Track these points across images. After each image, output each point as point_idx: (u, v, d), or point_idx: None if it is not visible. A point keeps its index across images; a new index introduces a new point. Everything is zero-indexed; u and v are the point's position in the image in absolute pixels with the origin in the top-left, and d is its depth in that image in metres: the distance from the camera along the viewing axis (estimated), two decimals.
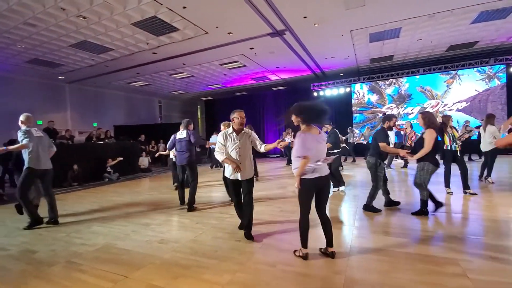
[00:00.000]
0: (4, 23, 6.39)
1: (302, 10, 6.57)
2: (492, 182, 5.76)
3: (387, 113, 10.52)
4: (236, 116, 3.28)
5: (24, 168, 4.03)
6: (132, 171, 10.20)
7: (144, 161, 10.77)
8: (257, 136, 3.48)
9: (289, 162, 11.02)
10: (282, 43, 8.56)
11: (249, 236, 3.25)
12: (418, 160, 3.83)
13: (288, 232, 3.44)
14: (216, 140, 3.42)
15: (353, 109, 13.80)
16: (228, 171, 3.34)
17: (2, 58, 8.60)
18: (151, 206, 5.19)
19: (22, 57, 8.70)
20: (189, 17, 6.68)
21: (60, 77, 11.21)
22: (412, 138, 9.02)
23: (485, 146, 5.92)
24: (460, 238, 3.07)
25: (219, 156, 3.32)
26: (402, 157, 8.71)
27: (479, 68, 11.40)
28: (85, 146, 9.23)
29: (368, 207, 4.17)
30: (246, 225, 3.31)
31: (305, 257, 2.63)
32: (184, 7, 6.16)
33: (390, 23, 7.51)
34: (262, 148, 3.36)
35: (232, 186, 3.39)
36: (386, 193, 4.37)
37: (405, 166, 8.91)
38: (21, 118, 4.11)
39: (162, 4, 6.00)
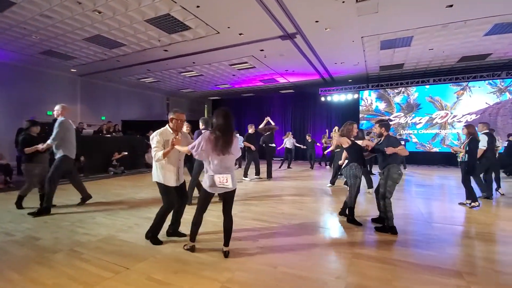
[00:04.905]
0: (22, 14, 6.53)
1: (314, 14, 6.57)
2: (503, 194, 5.87)
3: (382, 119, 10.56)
4: (175, 117, 3.01)
5: None
6: (137, 166, 10.29)
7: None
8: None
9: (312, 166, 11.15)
10: (293, 46, 8.58)
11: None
12: None
13: (290, 234, 3.42)
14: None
15: (360, 116, 13.73)
16: (169, 177, 3.05)
17: (18, 48, 8.77)
18: (154, 201, 5.21)
19: (37, 48, 8.86)
20: (201, 16, 6.74)
21: (72, 70, 11.38)
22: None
23: None
24: (464, 250, 3.02)
25: (159, 153, 2.89)
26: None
27: (490, 81, 11.24)
28: (93, 139, 9.34)
29: None
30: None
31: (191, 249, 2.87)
32: (198, 6, 6.22)
33: (402, 31, 7.47)
34: None
35: (170, 193, 3.13)
36: None
37: (404, 167, 8.99)
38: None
39: (176, 2, 6.06)
